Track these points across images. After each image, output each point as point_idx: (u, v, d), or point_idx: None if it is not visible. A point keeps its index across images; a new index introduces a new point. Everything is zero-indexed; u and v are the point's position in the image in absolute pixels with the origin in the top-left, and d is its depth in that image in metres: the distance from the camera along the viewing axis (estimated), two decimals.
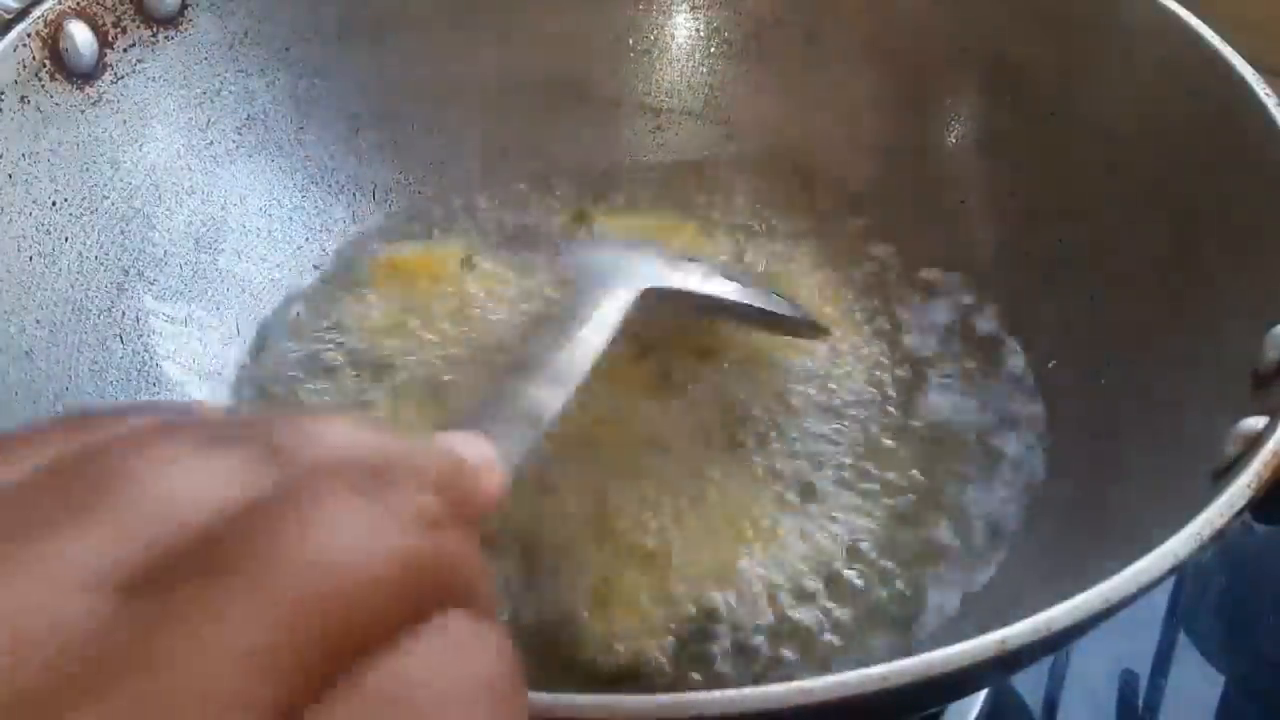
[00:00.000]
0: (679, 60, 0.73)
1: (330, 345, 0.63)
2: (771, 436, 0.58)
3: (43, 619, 0.17)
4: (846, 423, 0.59)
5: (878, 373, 0.62)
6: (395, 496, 0.21)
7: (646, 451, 0.57)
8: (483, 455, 0.28)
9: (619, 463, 0.56)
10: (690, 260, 0.60)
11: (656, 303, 0.51)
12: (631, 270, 0.52)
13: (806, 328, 0.61)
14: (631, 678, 0.49)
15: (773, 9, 0.72)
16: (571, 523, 0.54)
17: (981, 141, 0.68)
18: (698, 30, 0.73)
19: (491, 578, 0.27)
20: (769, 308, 0.59)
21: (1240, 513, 0.41)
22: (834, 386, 0.61)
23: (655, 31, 0.73)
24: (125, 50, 0.60)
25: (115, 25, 0.60)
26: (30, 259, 0.55)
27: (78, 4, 0.58)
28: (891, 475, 0.57)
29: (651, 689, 0.48)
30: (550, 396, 0.38)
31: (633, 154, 0.73)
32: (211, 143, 0.64)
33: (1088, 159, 0.62)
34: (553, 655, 0.50)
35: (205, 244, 0.63)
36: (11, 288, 0.53)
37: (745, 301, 0.58)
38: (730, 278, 0.60)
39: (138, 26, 0.61)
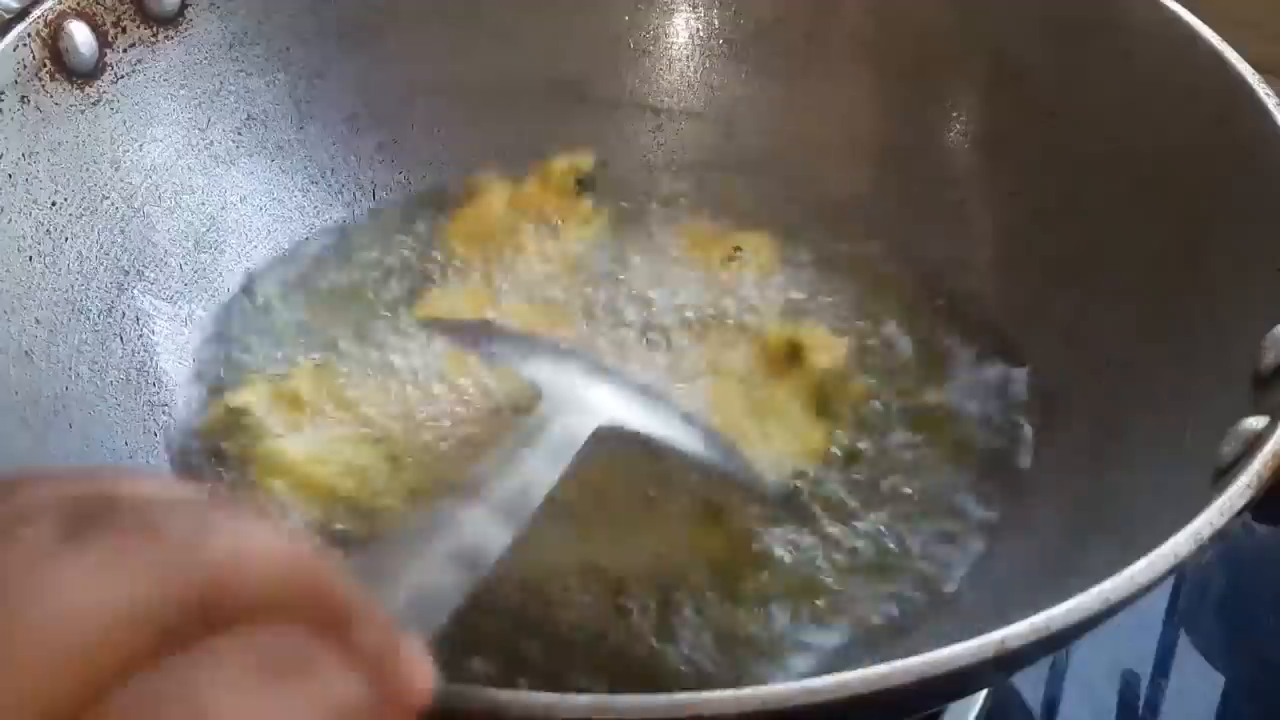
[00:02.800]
0: (679, 60, 0.73)
1: (325, 342, 0.63)
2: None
3: None
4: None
5: (877, 372, 0.62)
6: (315, 684, 0.19)
7: None
8: (415, 645, 0.23)
9: None
10: (657, 395, 0.55)
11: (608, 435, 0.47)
12: (597, 398, 0.47)
13: (757, 491, 0.55)
14: None
15: (773, 9, 0.72)
16: None
17: (981, 141, 0.68)
18: (698, 30, 0.73)
19: None
20: (726, 468, 0.54)
21: (1240, 513, 0.41)
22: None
23: (655, 31, 0.73)
24: (125, 50, 0.60)
25: (115, 25, 0.60)
26: (30, 259, 0.55)
27: (78, 4, 0.58)
28: (888, 474, 0.57)
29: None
30: (495, 532, 0.34)
31: (633, 154, 0.73)
32: (211, 143, 0.64)
33: (1088, 159, 0.62)
34: None
35: (205, 244, 0.63)
36: (11, 288, 0.53)
37: (701, 457, 0.53)
38: (692, 420, 0.54)
39: (138, 26, 0.61)
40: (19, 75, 0.55)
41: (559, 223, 0.66)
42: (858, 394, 0.60)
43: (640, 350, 0.61)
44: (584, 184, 0.66)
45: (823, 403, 0.60)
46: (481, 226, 0.66)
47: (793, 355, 0.60)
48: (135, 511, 0.19)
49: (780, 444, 0.58)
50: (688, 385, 0.60)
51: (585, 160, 0.68)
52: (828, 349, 0.61)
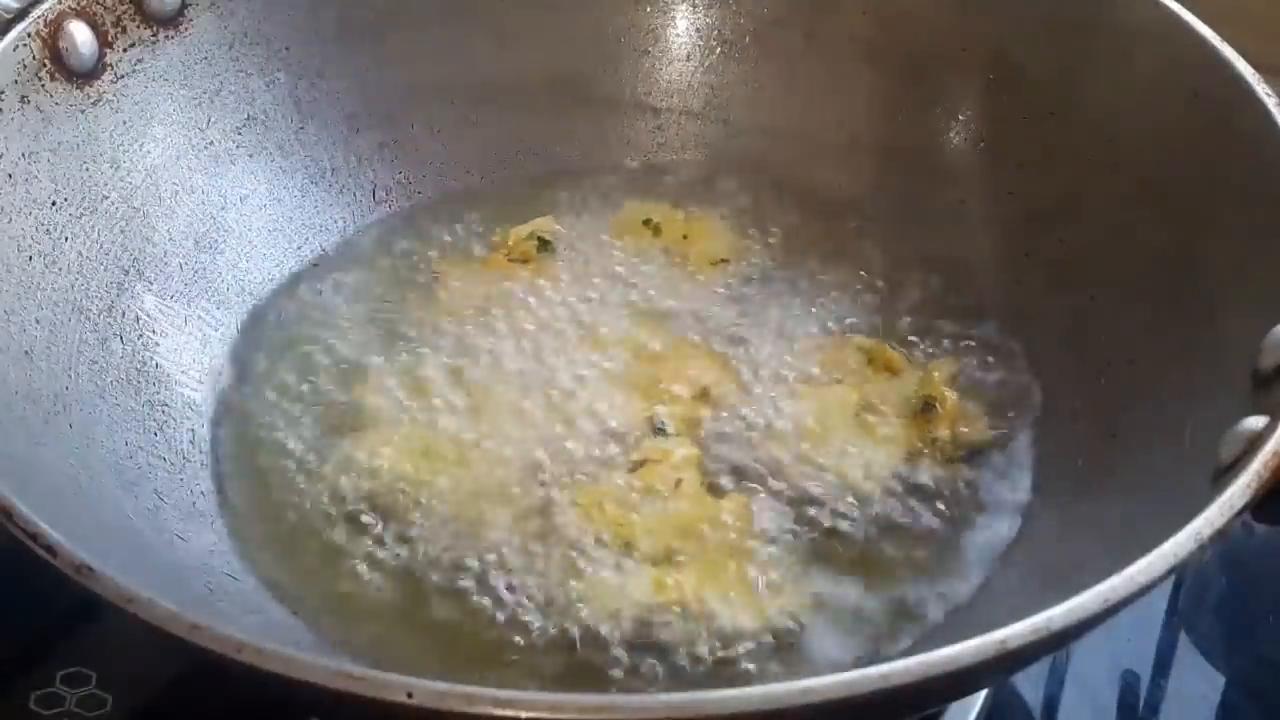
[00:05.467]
0: (679, 60, 0.73)
1: (326, 343, 0.63)
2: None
3: None
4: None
5: (875, 373, 0.62)
6: None
7: None
8: None
9: None
10: None
11: None
12: None
13: None
14: None
15: (773, 9, 0.72)
16: None
17: (981, 141, 0.68)
18: (698, 30, 0.73)
19: None
20: None
21: (1240, 513, 0.41)
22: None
23: (655, 31, 0.73)
24: (125, 50, 0.60)
25: (115, 25, 0.60)
26: (30, 259, 0.55)
27: (78, 4, 0.58)
28: (888, 474, 0.57)
29: None
30: None
31: (633, 154, 0.73)
32: (211, 143, 0.64)
33: (1088, 159, 0.62)
34: None
35: (205, 244, 0.63)
36: (11, 288, 0.53)
37: None
38: None
39: (138, 26, 0.61)
40: (19, 75, 0.55)
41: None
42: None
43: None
44: (546, 244, 0.67)
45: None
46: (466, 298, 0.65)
47: (928, 408, 0.59)
48: None
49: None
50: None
51: (545, 224, 0.68)
52: (960, 417, 0.59)
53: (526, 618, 0.51)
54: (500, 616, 0.51)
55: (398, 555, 0.53)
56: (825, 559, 0.54)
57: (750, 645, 0.51)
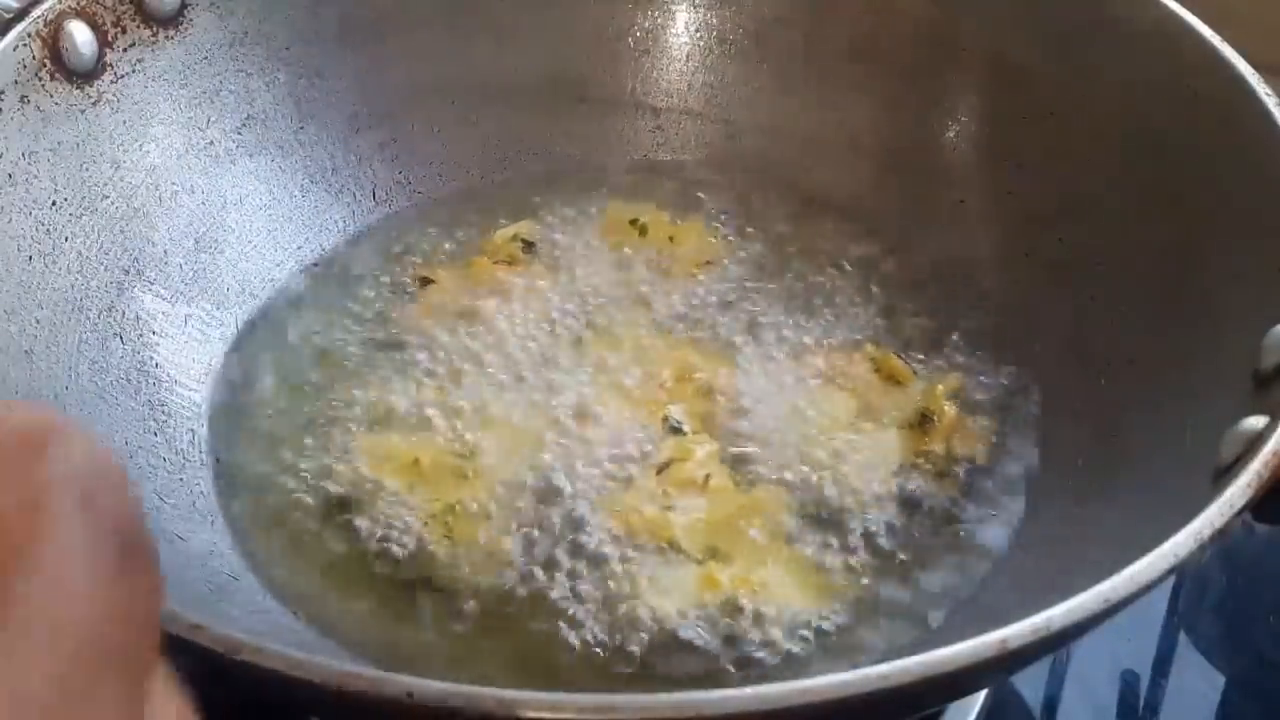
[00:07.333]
0: (679, 60, 0.73)
1: (326, 344, 0.63)
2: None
3: None
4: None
5: (873, 375, 0.62)
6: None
7: None
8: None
9: None
10: None
11: None
12: None
13: None
14: None
15: (773, 9, 0.72)
16: None
17: (981, 142, 0.68)
18: (698, 30, 0.73)
19: None
20: None
21: (1240, 513, 0.41)
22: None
23: (655, 31, 0.73)
24: (125, 50, 0.60)
25: (115, 25, 0.60)
26: (30, 259, 0.55)
27: (78, 4, 0.58)
28: (889, 477, 0.57)
29: None
30: None
31: (633, 154, 0.73)
32: (211, 143, 0.64)
33: (1088, 159, 0.62)
34: None
35: (205, 244, 0.63)
36: (11, 287, 0.53)
37: None
38: None
39: (138, 26, 0.61)
40: (19, 75, 0.55)
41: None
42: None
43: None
44: (530, 246, 0.67)
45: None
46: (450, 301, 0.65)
47: (925, 420, 0.59)
48: None
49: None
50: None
51: (527, 226, 0.68)
52: (960, 429, 0.59)
53: (579, 617, 0.51)
54: (531, 622, 0.51)
55: (399, 559, 0.53)
56: (846, 553, 0.54)
57: (811, 632, 0.51)
